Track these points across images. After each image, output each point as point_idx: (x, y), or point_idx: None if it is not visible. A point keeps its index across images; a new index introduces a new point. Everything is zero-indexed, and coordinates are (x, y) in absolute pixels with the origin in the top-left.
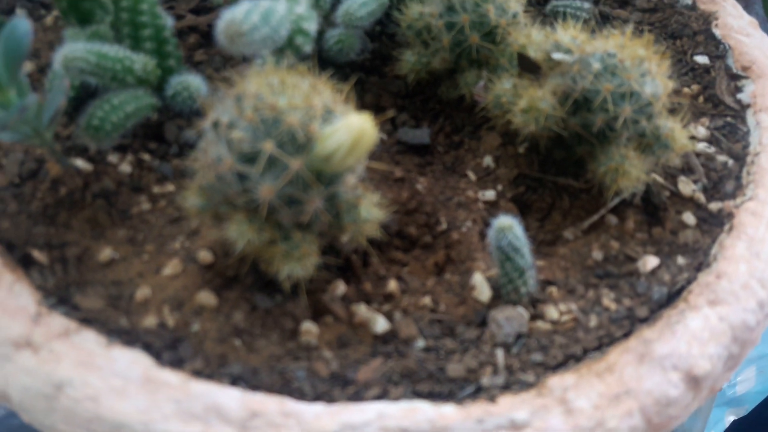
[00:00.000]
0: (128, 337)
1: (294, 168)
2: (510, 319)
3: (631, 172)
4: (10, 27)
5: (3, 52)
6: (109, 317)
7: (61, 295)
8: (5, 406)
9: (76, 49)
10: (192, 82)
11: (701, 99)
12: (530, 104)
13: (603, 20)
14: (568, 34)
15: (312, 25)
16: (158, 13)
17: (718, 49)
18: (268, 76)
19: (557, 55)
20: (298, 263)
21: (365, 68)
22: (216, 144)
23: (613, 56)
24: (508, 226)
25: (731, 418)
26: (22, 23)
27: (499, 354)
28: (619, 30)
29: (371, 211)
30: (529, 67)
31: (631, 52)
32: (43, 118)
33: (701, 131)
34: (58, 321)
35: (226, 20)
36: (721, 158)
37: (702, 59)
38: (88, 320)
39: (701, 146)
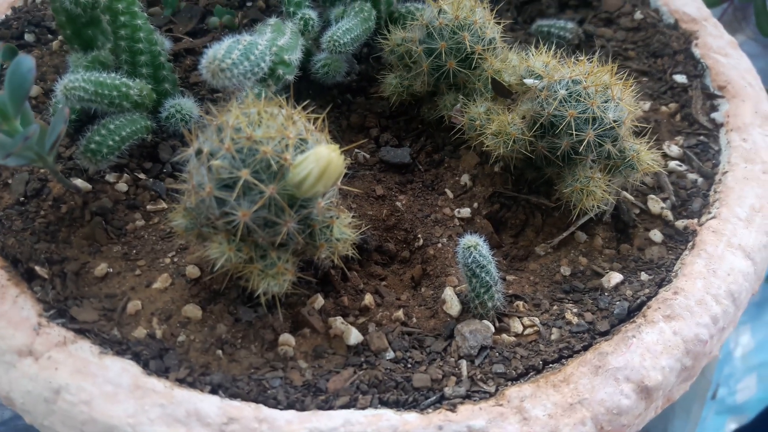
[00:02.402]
0: (120, 347)
1: (268, 193)
2: (475, 332)
3: (595, 192)
4: (15, 63)
5: (9, 86)
6: (103, 328)
7: (59, 308)
8: (11, 408)
9: (75, 78)
10: (184, 105)
11: (678, 117)
12: (500, 128)
13: (587, 38)
14: (540, 59)
15: (294, 55)
16: (154, 40)
17: (696, 69)
18: (247, 108)
19: (528, 81)
20: (273, 280)
21: (352, 89)
22: (198, 171)
23: (578, 83)
24: (474, 244)
25: (732, 426)
26: (25, 61)
27: (463, 365)
28: (591, 55)
29: (344, 231)
30: (502, 92)
31: (595, 79)
32: (45, 144)
33: (674, 150)
34: (56, 331)
35: (208, 57)
36: (692, 176)
37: (681, 78)
38: (83, 331)
39: (673, 164)
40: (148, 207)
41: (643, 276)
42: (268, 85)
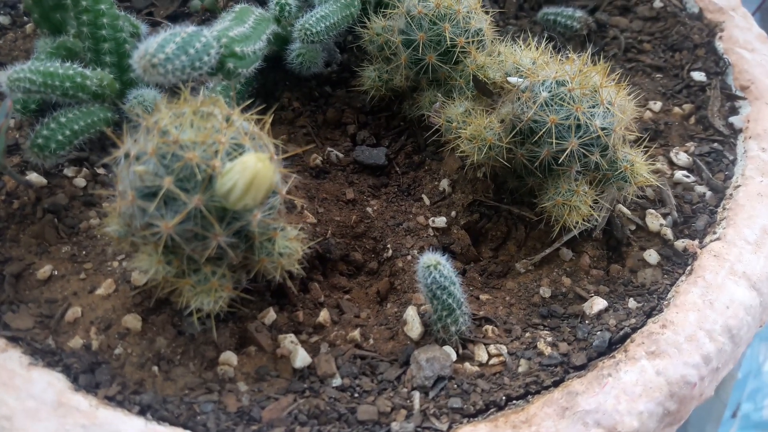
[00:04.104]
0: (51, 357)
1: (191, 205)
2: (432, 360)
3: (580, 207)
4: None
5: None
6: (37, 337)
7: None
8: None
9: (21, 69)
10: (148, 95)
11: (692, 120)
12: (475, 132)
13: (599, 29)
14: (528, 55)
15: (251, 47)
16: (119, 26)
17: (717, 65)
18: (179, 107)
19: (512, 79)
20: (207, 296)
21: (331, 81)
22: (125, 175)
23: (563, 84)
24: (435, 263)
25: None
26: None
27: (416, 397)
28: (600, 47)
29: (288, 245)
30: (483, 91)
31: (583, 80)
32: None
33: (682, 158)
34: None
35: (140, 51)
36: (700, 189)
37: (699, 76)
38: (15, 339)
39: (680, 175)
40: (104, 204)
41: (631, 303)
42: (220, 80)
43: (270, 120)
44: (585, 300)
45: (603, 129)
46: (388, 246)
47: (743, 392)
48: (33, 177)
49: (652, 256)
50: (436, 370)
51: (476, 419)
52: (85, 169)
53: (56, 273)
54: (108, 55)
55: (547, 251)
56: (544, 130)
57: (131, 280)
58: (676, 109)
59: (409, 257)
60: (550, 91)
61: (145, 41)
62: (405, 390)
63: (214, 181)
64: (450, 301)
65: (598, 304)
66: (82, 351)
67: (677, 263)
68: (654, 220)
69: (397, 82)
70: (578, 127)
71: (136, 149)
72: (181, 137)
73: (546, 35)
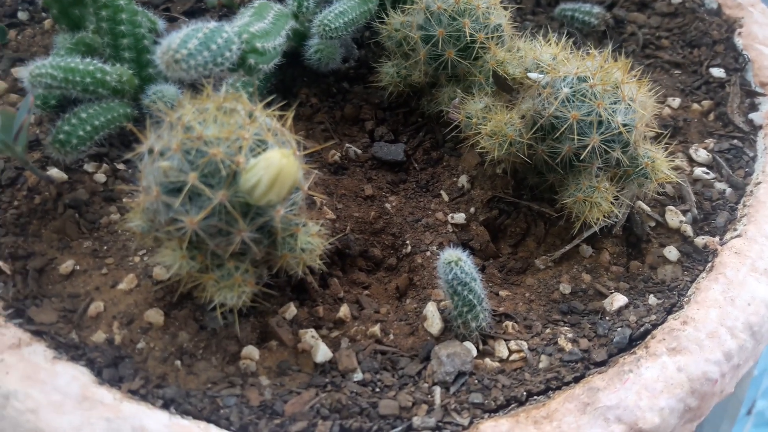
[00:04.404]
0: (75, 351)
1: (216, 201)
2: (453, 356)
3: (601, 203)
4: None
5: None
6: (60, 331)
7: (18, 307)
8: None
9: (42, 65)
10: (167, 91)
11: (711, 117)
12: (496, 128)
13: (617, 24)
14: (549, 50)
15: (271, 43)
16: (138, 22)
17: (737, 62)
18: (202, 103)
19: (533, 75)
20: (230, 291)
21: (349, 77)
22: (149, 171)
23: (584, 80)
24: (456, 259)
25: None
26: None
27: (437, 392)
28: (618, 43)
29: (310, 240)
30: (503, 87)
31: (605, 77)
32: (11, 132)
33: (702, 155)
34: (12, 332)
35: (163, 46)
36: (720, 186)
37: (718, 72)
38: (40, 333)
39: (699, 171)
40: (126, 200)
41: (652, 299)
42: (241, 75)
43: (291, 116)
44: (605, 296)
45: (624, 125)
46: (407, 242)
47: (759, 389)
48: (54, 172)
49: (672, 252)
50: (457, 365)
51: (497, 414)
52: (105, 164)
53: (78, 268)
54: (127, 50)
55: (567, 247)
56: (565, 126)
57: (153, 275)
58: (695, 106)
59: (428, 253)
60: (571, 87)
61: (167, 37)
62: (426, 385)
63: (238, 176)
64: (471, 297)
65: (619, 300)
66: (105, 345)
67: (697, 260)
68: (674, 217)
69: (415, 78)
70: (600, 123)
71: (159, 145)
72: (205, 133)
73: (566, 31)
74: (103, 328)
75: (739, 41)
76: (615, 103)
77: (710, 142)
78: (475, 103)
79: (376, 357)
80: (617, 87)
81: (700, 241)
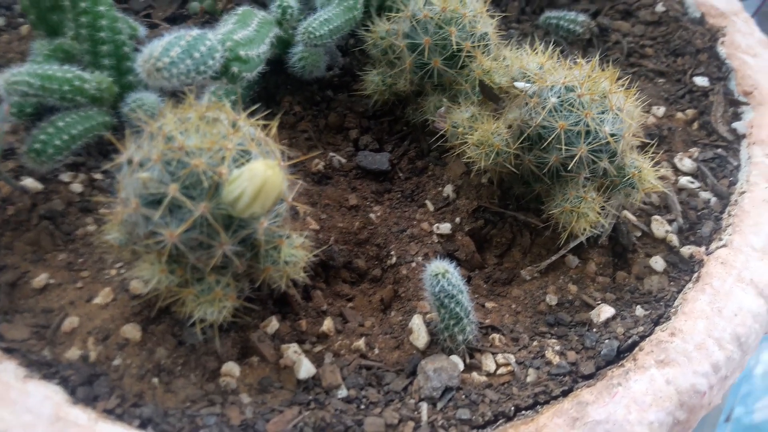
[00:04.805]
0: (48, 369)
1: (197, 213)
2: (440, 370)
3: (588, 214)
4: None
5: None
6: (33, 348)
7: None
8: None
9: (18, 72)
10: (147, 99)
11: (695, 125)
12: (482, 138)
13: (601, 33)
14: (535, 59)
15: (254, 51)
16: (118, 28)
17: (720, 71)
18: (184, 113)
19: (519, 84)
20: (211, 306)
21: (333, 85)
22: (128, 182)
23: (572, 90)
24: (443, 271)
25: None
26: None
27: (424, 408)
28: (603, 52)
29: (294, 252)
30: (490, 96)
31: (592, 86)
32: None
33: (687, 164)
34: None
35: (145, 54)
36: (704, 195)
37: (702, 81)
38: (11, 350)
39: (684, 181)
40: (102, 211)
41: (639, 310)
42: (224, 84)
43: (276, 125)
44: (592, 308)
45: (612, 135)
46: (392, 253)
47: (737, 396)
48: (28, 182)
49: (658, 263)
50: (444, 380)
51: (485, 430)
52: (82, 174)
53: (52, 281)
54: (107, 57)
55: (554, 258)
56: (553, 136)
57: (130, 289)
58: (680, 115)
59: (413, 264)
60: (559, 97)
61: (149, 44)
62: (412, 401)
63: (220, 188)
64: (458, 309)
65: (606, 311)
66: (79, 362)
67: (683, 270)
68: (659, 227)
69: (401, 87)
70: (587, 133)
71: (139, 155)
72: (186, 143)
73: (553, 40)
74: (77, 344)
75: (722, 50)
76: (603, 112)
77: (695, 151)
78: (461, 112)
79: (361, 372)
80: (605, 96)
81: (686, 251)
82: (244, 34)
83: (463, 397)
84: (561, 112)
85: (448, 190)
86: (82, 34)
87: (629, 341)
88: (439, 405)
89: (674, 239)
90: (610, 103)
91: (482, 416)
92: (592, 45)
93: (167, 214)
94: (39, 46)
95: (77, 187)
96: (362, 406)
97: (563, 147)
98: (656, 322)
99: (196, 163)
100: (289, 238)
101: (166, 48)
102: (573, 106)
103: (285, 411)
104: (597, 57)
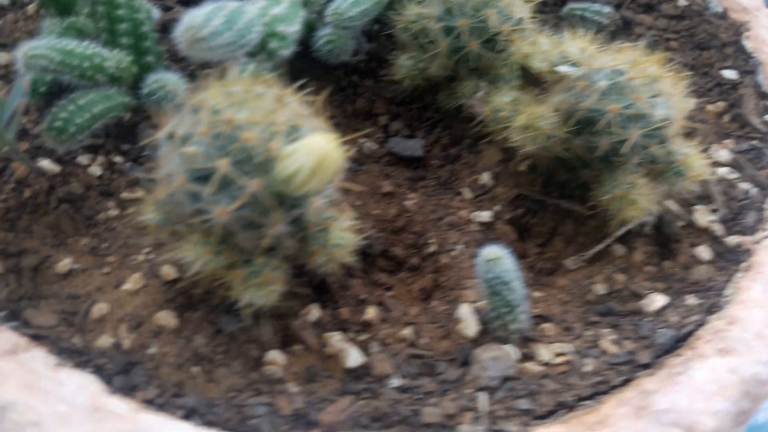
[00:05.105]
0: (80, 357)
1: (251, 189)
2: (496, 359)
3: (638, 201)
4: None
5: None
6: (62, 335)
7: (12, 309)
8: None
9: (38, 46)
10: (168, 80)
11: (726, 118)
12: (529, 122)
13: (625, 26)
14: (576, 44)
15: (290, 28)
16: (137, 6)
17: (747, 64)
18: (229, 86)
19: (562, 68)
20: (259, 290)
21: (359, 71)
22: (170, 158)
23: (622, 74)
24: (497, 257)
25: None
26: None
27: (482, 398)
28: (631, 43)
29: (343, 235)
30: (532, 80)
31: (642, 70)
32: (2, 118)
33: (723, 155)
34: (6, 337)
35: (185, 24)
36: (744, 186)
37: (730, 74)
38: (38, 337)
39: (723, 171)
40: (124, 195)
41: (690, 300)
42: (258, 61)
43: (322, 101)
44: (641, 297)
45: (664, 119)
46: (431, 241)
47: None
48: (45, 164)
49: (704, 252)
50: (502, 370)
51: (547, 421)
52: (100, 156)
53: (77, 267)
54: (125, 36)
55: (600, 247)
56: (604, 119)
57: (161, 275)
58: (710, 107)
59: (454, 252)
60: (609, 80)
61: (187, 14)
62: (469, 391)
63: (272, 163)
64: (512, 297)
65: (658, 301)
66: (112, 350)
67: (730, 260)
68: (702, 216)
69: (433, 71)
70: (639, 117)
71: (182, 130)
72: (236, 117)
73: (604, 22)
74: (108, 331)
75: (747, 44)
76: (654, 96)
77: (729, 142)
78: (502, 96)
79: (411, 362)
80: (655, 81)
81: (731, 240)
82: (280, 10)
83: (521, 387)
84: (611, 95)
85: (486, 177)
86: (98, 12)
87: (684, 330)
88: (498, 395)
89: (718, 229)
90: (660, 87)
91: (543, 406)
92: (617, 38)
93: (217, 191)
94: (50, 25)
95: (96, 170)
96: (417, 396)
97: (615, 131)
98: (709, 311)
99: (247, 137)
100: (337, 221)
101: (207, 18)
102: (624, 89)
103: (337, 401)
104: (643, 42)
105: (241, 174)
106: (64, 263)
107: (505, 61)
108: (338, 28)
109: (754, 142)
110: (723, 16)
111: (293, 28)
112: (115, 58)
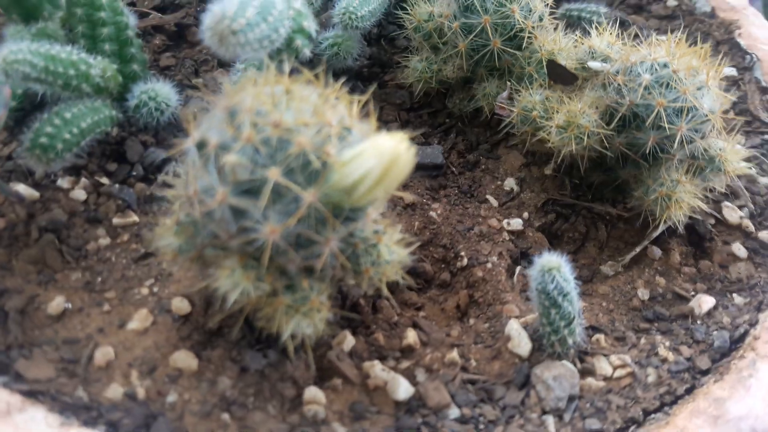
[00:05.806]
0: (88, 413)
1: (307, 201)
2: (559, 378)
3: (684, 199)
4: None
5: None
6: (63, 388)
7: (1, 361)
8: None
9: (18, 50)
10: (160, 91)
11: (731, 114)
12: (569, 120)
13: (620, 26)
14: (603, 40)
15: (313, 24)
16: (119, 9)
17: (745, 60)
18: (267, 85)
19: (594, 64)
20: (305, 318)
21: (362, 76)
22: (203, 170)
23: (666, 66)
24: (556, 266)
25: None
26: None
27: (550, 422)
28: (666, 38)
29: (394, 250)
30: (562, 77)
31: (683, 62)
32: None
33: (739, 150)
34: None
35: (216, 15)
36: (764, 180)
37: (729, 71)
38: (35, 393)
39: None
40: (115, 221)
41: (737, 299)
42: (280, 60)
43: (367, 100)
44: (686, 299)
45: (711, 112)
46: (462, 254)
47: None
48: (21, 189)
49: (739, 249)
50: (567, 389)
51: None
52: (83, 179)
53: (71, 306)
54: (107, 42)
55: (637, 250)
56: (651, 114)
57: (172, 309)
58: None
59: (488, 265)
60: (653, 73)
61: (217, 3)
62: (534, 415)
63: (327, 171)
64: (570, 309)
65: (706, 302)
66: (126, 402)
67: (767, 255)
68: (732, 213)
69: (448, 73)
70: (687, 110)
71: (217, 136)
72: (284, 119)
73: (601, 22)
74: (118, 379)
75: (741, 42)
76: (699, 89)
77: (740, 138)
78: (532, 95)
79: (467, 387)
80: (698, 73)
81: (764, 235)
82: (299, 5)
83: (587, 405)
84: (657, 89)
85: (510, 183)
86: (76, 15)
87: (739, 331)
88: (566, 417)
89: (749, 225)
90: (704, 79)
91: (613, 424)
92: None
93: (269, 204)
94: (13, 32)
95: (80, 194)
96: (481, 426)
97: (665, 125)
98: (758, 309)
99: (302, 142)
100: (386, 234)
101: (240, 7)
102: (670, 82)
103: None
104: (680, 34)
105: (294, 184)
106: (56, 303)
107: (528, 59)
108: (346, 30)
109: (765, 137)
110: (711, 15)
111: (315, 26)
112: (100, 66)
